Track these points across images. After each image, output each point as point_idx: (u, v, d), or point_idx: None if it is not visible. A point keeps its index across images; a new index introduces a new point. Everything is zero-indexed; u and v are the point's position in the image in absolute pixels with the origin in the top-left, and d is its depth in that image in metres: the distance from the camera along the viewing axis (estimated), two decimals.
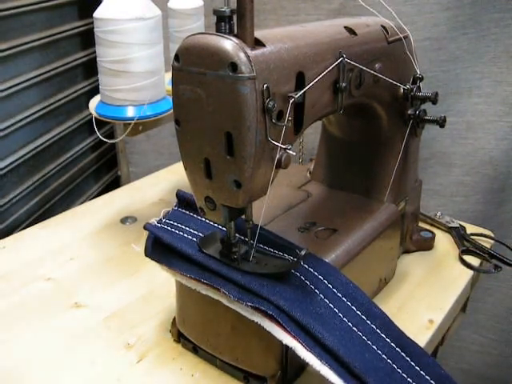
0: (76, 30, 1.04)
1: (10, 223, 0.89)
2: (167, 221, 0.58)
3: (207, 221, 0.57)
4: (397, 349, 0.45)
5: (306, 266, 0.50)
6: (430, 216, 0.80)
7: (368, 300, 0.48)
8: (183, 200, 0.60)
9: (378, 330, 0.46)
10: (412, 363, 0.45)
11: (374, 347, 0.45)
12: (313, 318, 0.45)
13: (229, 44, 0.40)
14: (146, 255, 0.55)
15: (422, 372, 0.44)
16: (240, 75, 0.40)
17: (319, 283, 0.48)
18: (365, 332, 0.46)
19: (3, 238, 0.77)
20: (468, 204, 1.00)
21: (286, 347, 0.48)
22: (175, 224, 0.58)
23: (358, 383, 0.42)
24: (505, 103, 0.93)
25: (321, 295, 0.48)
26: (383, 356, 0.45)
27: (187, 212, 0.59)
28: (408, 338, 0.47)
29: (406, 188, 0.69)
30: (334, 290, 0.48)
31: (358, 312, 0.47)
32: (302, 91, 0.45)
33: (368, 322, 0.47)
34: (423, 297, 0.64)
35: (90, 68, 1.07)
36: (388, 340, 0.46)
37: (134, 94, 0.69)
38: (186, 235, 0.55)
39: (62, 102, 1.02)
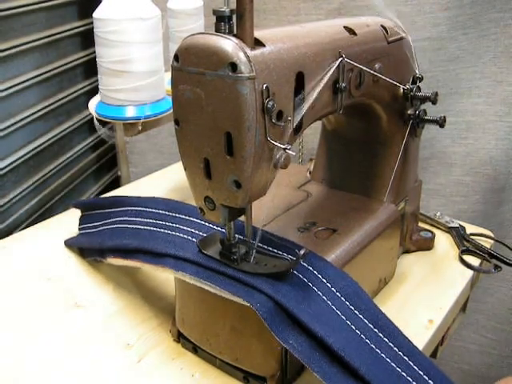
0: (76, 30, 1.04)
1: (10, 223, 0.89)
2: (81, 226, 0.73)
3: (112, 210, 0.68)
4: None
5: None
6: (430, 216, 0.80)
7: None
8: (83, 207, 0.75)
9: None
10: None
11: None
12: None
13: (228, 44, 0.40)
14: (84, 258, 0.70)
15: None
16: (239, 75, 0.40)
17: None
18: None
19: (3, 238, 0.77)
20: (468, 204, 1.00)
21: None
22: (88, 225, 0.71)
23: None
24: (505, 103, 0.93)
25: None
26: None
27: (92, 212, 0.72)
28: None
29: (406, 188, 0.69)
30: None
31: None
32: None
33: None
34: (423, 297, 0.64)
35: (90, 68, 1.07)
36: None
37: (133, 93, 0.69)
38: (100, 228, 0.67)
39: (62, 101, 1.02)
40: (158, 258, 0.54)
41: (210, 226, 0.57)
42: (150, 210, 0.63)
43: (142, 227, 0.61)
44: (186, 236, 0.56)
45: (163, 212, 0.62)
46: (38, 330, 0.58)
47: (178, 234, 0.57)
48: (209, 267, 0.50)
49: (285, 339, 0.44)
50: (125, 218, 0.64)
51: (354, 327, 0.46)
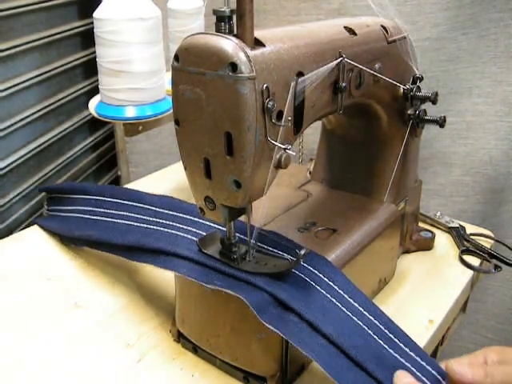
0: (76, 30, 1.04)
1: (10, 223, 0.89)
2: (50, 208, 0.75)
3: (76, 196, 0.71)
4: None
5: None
6: (430, 216, 0.80)
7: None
8: (47, 190, 0.76)
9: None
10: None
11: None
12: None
13: (228, 44, 0.40)
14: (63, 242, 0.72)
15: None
16: (240, 75, 0.40)
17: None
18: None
19: (3, 238, 0.77)
20: (468, 204, 1.00)
21: (286, 347, 0.48)
22: (55, 208, 0.74)
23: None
24: (505, 103, 0.93)
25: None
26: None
27: (57, 195, 0.74)
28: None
29: (406, 188, 0.69)
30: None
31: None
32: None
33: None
34: (423, 297, 0.64)
35: (90, 68, 1.07)
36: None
37: (133, 94, 0.69)
38: (66, 214, 0.71)
39: (62, 101, 1.02)
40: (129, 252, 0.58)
41: (160, 210, 0.62)
42: (110, 199, 0.67)
43: (102, 218, 0.65)
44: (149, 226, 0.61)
45: (123, 202, 0.66)
46: (38, 330, 0.58)
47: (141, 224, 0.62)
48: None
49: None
50: (88, 208, 0.68)
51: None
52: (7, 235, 0.79)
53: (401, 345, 0.46)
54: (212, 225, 0.57)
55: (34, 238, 0.76)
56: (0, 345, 0.56)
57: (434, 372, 0.44)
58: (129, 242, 0.58)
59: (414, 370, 0.44)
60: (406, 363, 0.44)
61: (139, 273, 0.68)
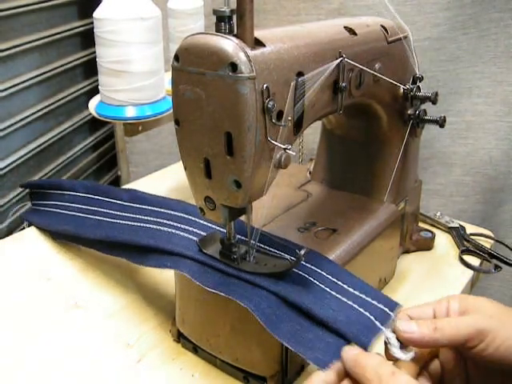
0: (76, 30, 1.04)
1: (10, 223, 0.89)
2: (34, 202, 0.77)
3: (53, 192, 0.73)
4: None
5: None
6: (430, 216, 0.80)
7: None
8: (29, 185, 0.78)
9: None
10: None
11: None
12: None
13: (228, 44, 0.40)
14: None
15: None
16: (240, 75, 0.40)
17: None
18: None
19: (3, 238, 0.77)
20: (468, 204, 1.00)
21: (286, 347, 0.48)
22: (39, 202, 0.75)
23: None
24: (505, 103, 0.93)
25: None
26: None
27: (39, 190, 0.76)
28: None
29: (406, 188, 0.69)
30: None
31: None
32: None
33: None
34: (423, 297, 0.64)
35: (90, 68, 1.07)
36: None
37: (133, 94, 0.69)
38: (47, 209, 0.73)
39: (62, 101, 1.02)
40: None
41: (128, 204, 0.65)
42: (81, 194, 0.70)
43: (74, 213, 0.68)
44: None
45: (93, 197, 0.69)
46: (38, 330, 0.58)
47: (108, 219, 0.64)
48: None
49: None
50: (62, 203, 0.71)
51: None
52: (7, 235, 0.79)
53: (344, 286, 0.47)
54: (177, 214, 0.60)
55: (34, 238, 0.76)
56: (0, 345, 0.56)
57: (380, 306, 0.44)
58: (100, 236, 0.60)
59: (356, 306, 0.44)
60: (348, 301, 0.45)
61: (139, 273, 0.68)
